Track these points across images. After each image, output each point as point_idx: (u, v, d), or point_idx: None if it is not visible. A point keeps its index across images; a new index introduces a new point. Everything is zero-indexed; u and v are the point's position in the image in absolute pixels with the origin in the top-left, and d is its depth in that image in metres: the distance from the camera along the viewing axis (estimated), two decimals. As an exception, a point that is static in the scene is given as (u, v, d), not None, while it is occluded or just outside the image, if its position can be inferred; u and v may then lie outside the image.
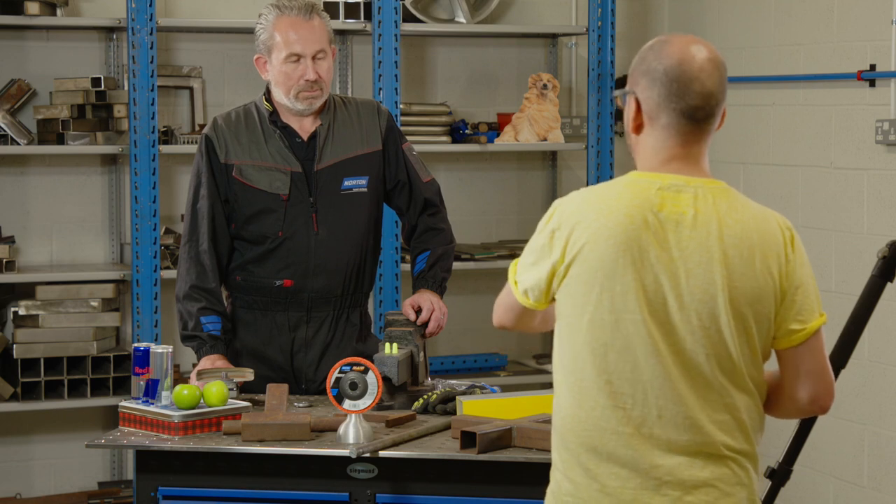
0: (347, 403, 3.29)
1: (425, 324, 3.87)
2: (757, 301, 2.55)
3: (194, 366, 3.84)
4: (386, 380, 3.51)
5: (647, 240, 2.52)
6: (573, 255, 2.55)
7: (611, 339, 2.53)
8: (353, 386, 3.28)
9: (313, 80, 3.84)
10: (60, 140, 5.45)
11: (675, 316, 2.52)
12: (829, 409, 2.69)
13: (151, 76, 5.34)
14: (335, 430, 3.34)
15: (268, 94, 3.95)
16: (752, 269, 2.55)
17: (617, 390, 2.53)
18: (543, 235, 2.61)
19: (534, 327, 2.79)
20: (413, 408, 3.59)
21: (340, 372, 3.29)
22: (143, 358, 3.52)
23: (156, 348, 3.51)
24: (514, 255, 5.97)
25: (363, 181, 3.96)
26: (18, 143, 5.43)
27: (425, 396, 3.62)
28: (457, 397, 3.54)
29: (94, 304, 5.47)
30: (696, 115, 2.56)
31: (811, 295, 2.61)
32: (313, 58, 3.85)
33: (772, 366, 2.67)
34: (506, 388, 3.85)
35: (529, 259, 2.65)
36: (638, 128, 2.63)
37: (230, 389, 3.59)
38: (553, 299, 2.63)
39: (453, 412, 3.53)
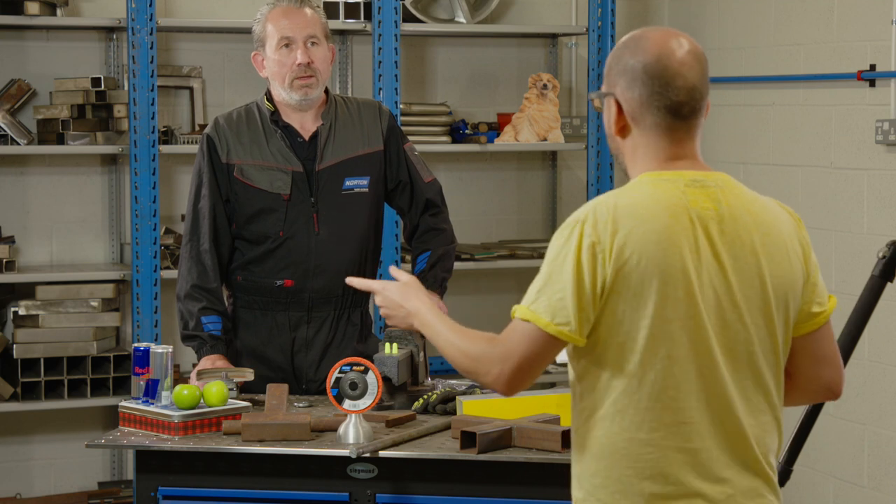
0: (347, 403, 3.29)
1: (425, 324, 3.87)
2: (793, 288, 2.50)
3: (194, 366, 3.84)
4: (386, 380, 3.51)
5: (696, 238, 2.41)
6: (621, 268, 2.37)
7: (673, 350, 2.39)
8: (353, 386, 3.28)
9: (305, 63, 3.85)
10: (60, 140, 5.45)
11: (730, 314, 2.43)
12: (840, 395, 2.64)
13: (151, 76, 5.34)
14: (335, 430, 3.34)
15: (269, 95, 3.96)
16: (786, 256, 2.49)
17: (681, 405, 2.40)
18: (576, 255, 2.39)
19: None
20: (413, 408, 3.59)
21: (340, 372, 3.29)
22: (143, 358, 3.52)
23: (156, 348, 3.51)
24: (514, 255, 5.99)
25: (364, 181, 3.96)
26: (18, 143, 5.43)
27: (425, 396, 3.62)
28: (457, 397, 3.54)
29: (94, 304, 5.47)
30: (681, 111, 2.46)
31: (821, 277, 2.58)
32: (305, 43, 3.85)
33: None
34: (506, 388, 3.85)
35: (562, 288, 2.39)
36: (622, 130, 2.51)
37: (230, 389, 3.59)
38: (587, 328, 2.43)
39: (453, 412, 3.53)
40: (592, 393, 2.46)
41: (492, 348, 2.47)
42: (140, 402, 3.50)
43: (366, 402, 3.28)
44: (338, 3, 5.71)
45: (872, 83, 5.11)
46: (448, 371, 6.00)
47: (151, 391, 3.50)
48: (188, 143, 5.55)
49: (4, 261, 5.35)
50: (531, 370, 2.45)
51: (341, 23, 5.69)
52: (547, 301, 2.41)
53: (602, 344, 2.42)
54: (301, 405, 3.71)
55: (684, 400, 2.41)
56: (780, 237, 2.50)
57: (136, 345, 3.59)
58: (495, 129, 6.01)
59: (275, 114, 3.93)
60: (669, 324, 2.39)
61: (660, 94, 2.45)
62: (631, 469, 2.43)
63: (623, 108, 2.50)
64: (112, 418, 5.50)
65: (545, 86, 5.87)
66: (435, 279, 3.99)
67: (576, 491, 2.53)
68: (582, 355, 2.46)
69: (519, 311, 2.45)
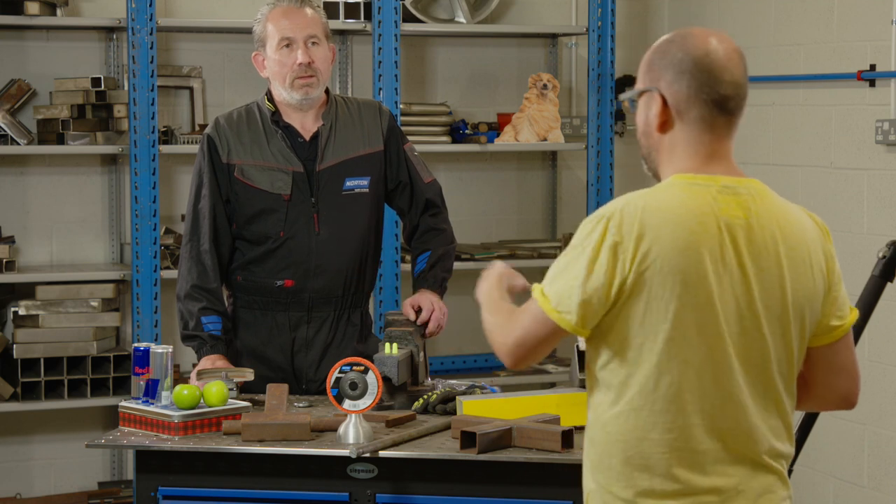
0: (347, 403, 3.29)
1: (425, 324, 3.88)
2: (812, 300, 2.51)
3: (194, 366, 3.84)
4: (386, 380, 3.51)
5: (722, 246, 2.43)
6: (645, 270, 2.39)
7: (690, 355, 2.41)
8: (353, 386, 3.28)
9: (306, 63, 3.85)
10: (60, 140, 5.45)
11: (749, 322, 2.45)
12: (856, 405, 2.65)
13: (151, 76, 5.34)
14: (335, 430, 3.34)
15: (269, 95, 3.96)
16: (808, 268, 2.50)
17: (694, 408, 2.43)
18: (594, 251, 2.41)
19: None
20: (413, 408, 3.59)
21: (340, 372, 3.29)
22: (143, 358, 3.52)
23: (156, 348, 3.51)
24: (514, 255, 5.98)
25: (365, 182, 3.96)
26: (18, 143, 5.43)
27: (425, 396, 3.61)
28: (457, 397, 3.54)
29: (94, 304, 5.47)
30: (727, 105, 2.48)
31: (844, 290, 2.59)
32: (305, 43, 3.85)
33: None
34: (506, 388, 3.85)
35: (573, 278, 2.43)
36: (664, 125, 2.51)
37: (230, 389, 3.59)
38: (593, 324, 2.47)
39: (453, 412, 3.53)
40: (609, 389, 2.49)
41: (507, 321, 2.56)
42: (140, 402, 3.50)
43: (366, 402, 3.28)
44: (338, 3, 5.71)
45: (872, 83, 5.11)
46: (448, 371, 6.00)
47: (151, 391, 3.49)
48: (188, 143, 5.54)
49: (4, 261, 5.35)
50: (533, 349, 2.52)
51: (341, 23, 5.69)
52: (558, 287, 2.46)
53: (621, 343, 2.45)
54: (301, 405, 3.71)
55: (698, 404, 2.43)
56: (806, 249, 2.51)
57: (136, 345, 3.59)
58: (495, 129, 6.01)
59: (275, 114, 3.93)
60: (688, 329, 2.41)
61: (709, 87, 2.47)
62: (642, 466, 2.46)
63: (668, 102, 2.49)
64: (112, 418, 5.50)
65: (545, 86, 5.87)
66: (435, 279, 3.99)
67: (588, 482, 2.56)
68: (600, 351, 2.49)
69: (534, 290, 2.51)
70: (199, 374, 3.68)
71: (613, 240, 2.41)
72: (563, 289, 2.45)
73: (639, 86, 2.54)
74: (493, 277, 2.75)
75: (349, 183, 3.94)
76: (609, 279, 2.41)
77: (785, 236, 2.49)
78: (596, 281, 2.41)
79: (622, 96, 2.61)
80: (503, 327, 2.56)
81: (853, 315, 2.60)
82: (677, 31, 2.53)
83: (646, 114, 2.53)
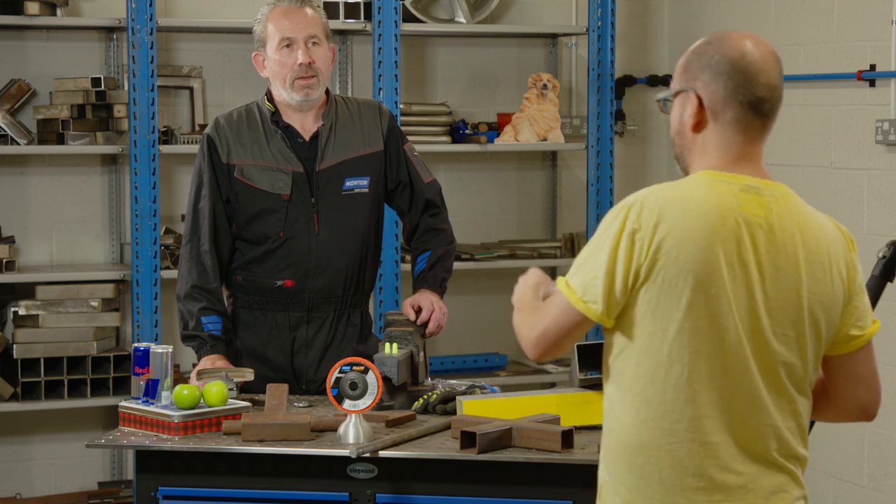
0: (347, 403, 3.29)
1: (425, 324, 3.87)
2: (829, 307, 2.52)
3: (194, 366, 3.84)
4: (386, 380, 3.51)
5: (739, 242, 2.44)
6: (659, 259, 2.42)
7: (702, 345, 2.43)
8: (353, 386, 3.28)
9: (307, 63, 3.85)
10: (60, 140, 5.45)
11: (762, 321, 2.45)
12: (875, 416, 2.65)
13: (151, 76, 5.34)
14: (335, 430, 3.34)
15: (269, 95, 3.96)
16: (827, 275, 2.51)
17: (705, 399, 2.44)
18: (615, 239, 2.44)
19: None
20: (413, 408, 3.59)
21: (340, 372, 3.29)
22: (143, 358, 3.52)
23: (156, 348, 3.51)
24: (514, 255, 5.99)
25: (364, 182, 3.96)
26: (18, 143, 5.43)
27: (425, 396, 3.61)
28: (457, 397, 3.54)
29: (94, 304, 5.47)
30: (762, 107, 2.52)
31: (867, 300, 2.60)
32: (306, 43, 3.86)
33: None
34: (506, 388, 3.85)
35: (596, 267, 2.46)
36: (698, 125, 2.53)
37: (230, 389, 3.59)
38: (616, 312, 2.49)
39: (453, 412, 3.53)
40: (622, 379, 2.51)
41: (532, 315, 2.58)
42: (140, 402, 3.49)
43: (366, 402, 3.28)
44: (338, 3, 5.71)
45: (872, 83, 5.11)
46: (448, 371, 6.00)
47: (151, 391, 3.49)
48: (188, 143, 5.55)
49: (4, 261, 5.35)
50: (557, 341, 2.53)
51: (341, 23, 5.69)
52: (582, 277, 2.49)
53: (633, 331, 2.47)
54: (301, 405, 3.71)
55: (708, 394, 2.44)
56: (826, 256, 2.51)
57: (136, 345, 3.59)
58: (495, 129, 6.01)
59: (275, 114, 3.93)
60: (700, 319, 2.43)
61: (745, 89, 2.51)
62: (654, 458, 2.47)
63: (703, 102, 2.52)
64: (112, 418, 5.50)
65: (545, 86, 5.87)
66: (435, 279, 3.99)
67: (602, 473, 2.58)
68: (614, 340, 2.51)
69: (559, 282, 2.54)
70: (199, 374, 3.68)
71: (632, 227, 2.43)
72: (587, 278, 2.47)
73: (674, 86, 2.57)
74: (530, 285, 2.74)
75: (349, 183, 3.94)
76: (627, 266, 2.44)
77: (805, 240, 2.50)
78: (617, 270, 2.44)
79: (658, 96, 2.62)
80: (529, 321, 2.58)
81: (875, 326, 2.60)
82: (714, 33, 2.56)
83: (681, 114, 2.56)
